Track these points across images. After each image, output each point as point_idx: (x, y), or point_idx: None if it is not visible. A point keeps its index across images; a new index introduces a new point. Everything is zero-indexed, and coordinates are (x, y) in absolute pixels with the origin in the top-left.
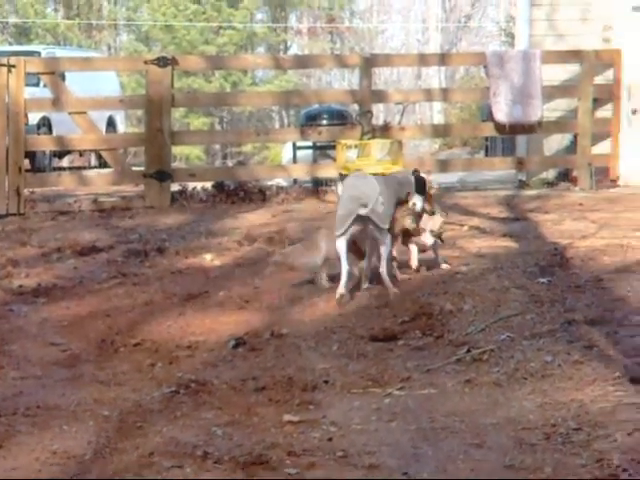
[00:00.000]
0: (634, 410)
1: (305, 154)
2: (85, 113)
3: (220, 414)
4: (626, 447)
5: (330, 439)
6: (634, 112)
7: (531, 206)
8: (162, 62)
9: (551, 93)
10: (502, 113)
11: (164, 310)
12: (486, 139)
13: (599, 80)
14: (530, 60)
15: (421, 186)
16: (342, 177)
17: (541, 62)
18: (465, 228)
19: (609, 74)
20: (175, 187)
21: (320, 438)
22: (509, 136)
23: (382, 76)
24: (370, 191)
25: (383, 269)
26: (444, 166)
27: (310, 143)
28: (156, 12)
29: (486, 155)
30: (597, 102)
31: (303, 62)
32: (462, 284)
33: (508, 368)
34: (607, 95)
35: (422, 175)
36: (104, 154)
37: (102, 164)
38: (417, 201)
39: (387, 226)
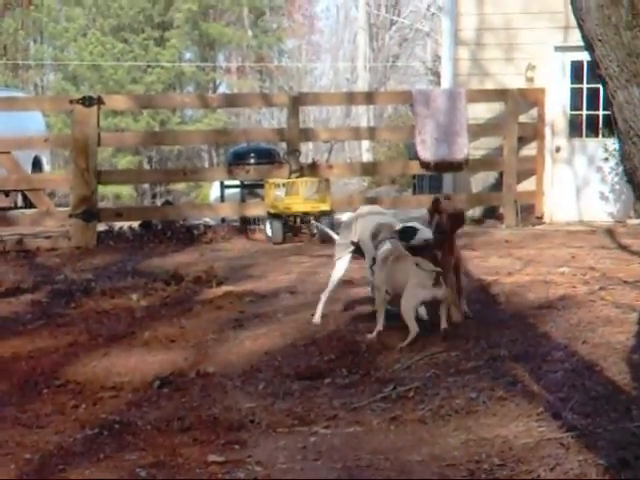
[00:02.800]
0: (556, 445)
1: (233, 193)
2: (9, 153)
3: (144, 455)
4: None
5: (255, 479)
6: (558, 150)
7: (458, 243)
8: (88, 102)
9: (477, 131)
10: (428, 151)
11: (89, 351)
12: (414, 177)
13: (523, 119)
14: (455, 99)
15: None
16: (270, 216)
17: (466, 101)
18: None
19: (533, 112)
20: (102, 227)
21: (245, 478)
22: (436, 174)
23: (312, 115)
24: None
25: None
26: (373, 203)
27: (238, 182)
28: (83, 51)
29: (414, 193)
30: (522, 140)
31: (231, 101)
32: (388, 321)
33: (433, 405)
34: (531, 133)
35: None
36: (29, 194)
37: (28, 204)
38: None
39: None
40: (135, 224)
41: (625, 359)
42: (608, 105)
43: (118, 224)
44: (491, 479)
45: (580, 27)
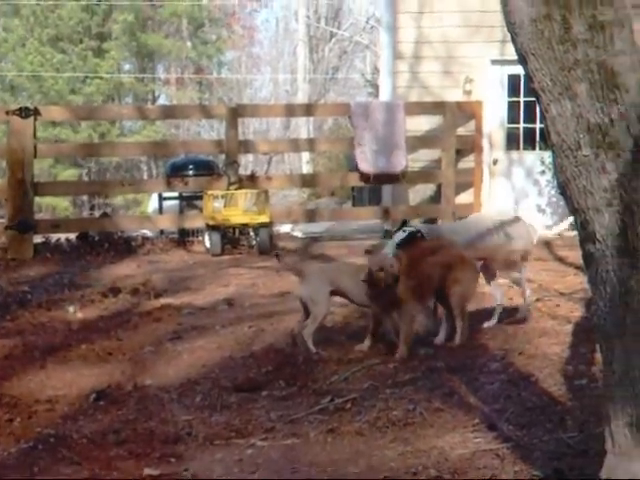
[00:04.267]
0: (492, 456)
1: (172, 205)
2: None
3: (79, 469)
4: None
5: None
6: (495, 162)
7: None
8: (24, 113)
9: (415, 144)
10: (367, 163)
11: (24, 364)
12: (353, 189)
13: (461, 131)
14: (394, 111)
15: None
16: (209, 228)
17: (405, 113)
18: None
19: (471, 125)
20: (38, 239)
21: None
22: (375, 186)
23: (251, 126)
24: None
25: None
26: (312, 216)
27: (176, 194)
28: (22, 61)
29: (353, 205)
30: (460, 153)
31: (169, 112)
32: (326, 333)
33: (370, 417)
34: (469, 146)
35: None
36: None
37: None
38: None
39: None
40: (72, 236)
41: (560, 370)
42: (542, 118)
43: (55, 236)
44: None
45: (514, 41)
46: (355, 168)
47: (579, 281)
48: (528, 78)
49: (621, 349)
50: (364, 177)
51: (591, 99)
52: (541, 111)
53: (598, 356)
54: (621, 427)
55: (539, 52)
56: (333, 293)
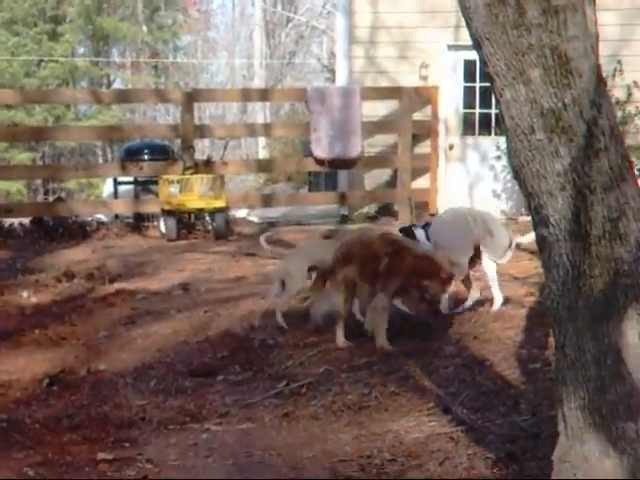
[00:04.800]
0: (446, 440)
1: (127, 189)
2: None
3: (32, 454)
4: (437, 476)
5: (145, 477)
6: (451, 147)
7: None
8: None
9: (371, 129)
10: (323, 148)
11: None
12: (309, 174)
13: (417, 116)
14: (350, 96)
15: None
16: (164, 213)
17: (361, 98)
18: None
19: (427, 110)
20: None
21: (135, 476)
22: (332, 171)
23: (208, 111)
24: None
25: None
26: (269, 201)
27: (132, 178)
28: None
29: (309, 190)
30: (416, 138)
31: (124, 97)
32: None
33: (326, 401)
34: (425, 131)
35: None
36: None
37: None
38: None
39: None
40: (26, 220)
41: (514, 354)
42: (497, 103)
43: (9, 220)
44: (382, 473)
45: (468, 25)
46: (311, 153)
47: (533, 265)
48: (483, 63)
49: (573, 332)
50: (320, 162)
51: (545, 84)
52: (495, 96)
53: (552, 340)
54: (573, 410)
55: (493, 37)
56: (313, 269)
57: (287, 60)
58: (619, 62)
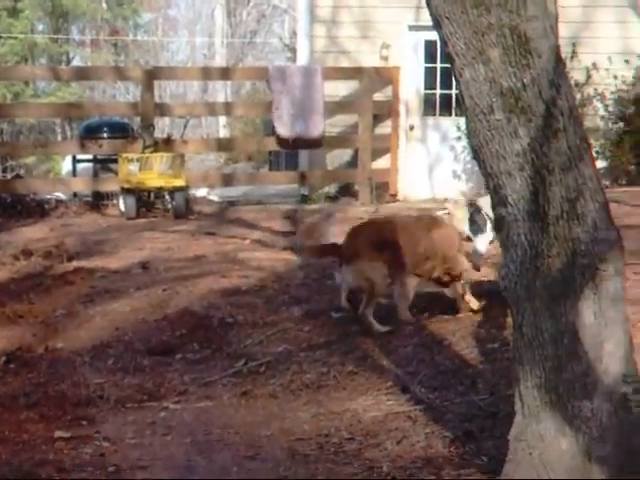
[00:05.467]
0: (404, 419)
1: (86, 167)
2: None
3: None
4: (395, 455)
5: (102, 454)
6: (412, 128)
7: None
8: None
9: (332, 109)
10: (284, 127)
11: None
12: (270, 153)
13: (378, 97)
14: (311, 75)
15: None
16: (123, 191)
17: (322, 78)
18: (247, 242)
19: (388, 91)
20: None
21: (92, 454)
22: (292, 151)
23: (168, 89)
24: None
25: None
26: (229, 180)
27: (91, 156)
28: None
29: (270, 169)
30: (377, 118)
31: (83, 74)
32: (242, 297)
33: (284, 380)
34: (386, 111)
35: None
36: None
37: None
38: None
39: None
40: None
41: (472, 334)
42: (457, 82)
43: None
44: (340, 452)
45: (429, 4)
46: (272, 132)
47: (492, 246)
48: (442, 42)
49: (531, 312)
50: (282, 141)
51: (504, 64)
52: (455, 75)
53: (509, 320)
54: (530, 389)
55: (453, 16)
56: None
57: (248, 39)
58: (575, 44)
